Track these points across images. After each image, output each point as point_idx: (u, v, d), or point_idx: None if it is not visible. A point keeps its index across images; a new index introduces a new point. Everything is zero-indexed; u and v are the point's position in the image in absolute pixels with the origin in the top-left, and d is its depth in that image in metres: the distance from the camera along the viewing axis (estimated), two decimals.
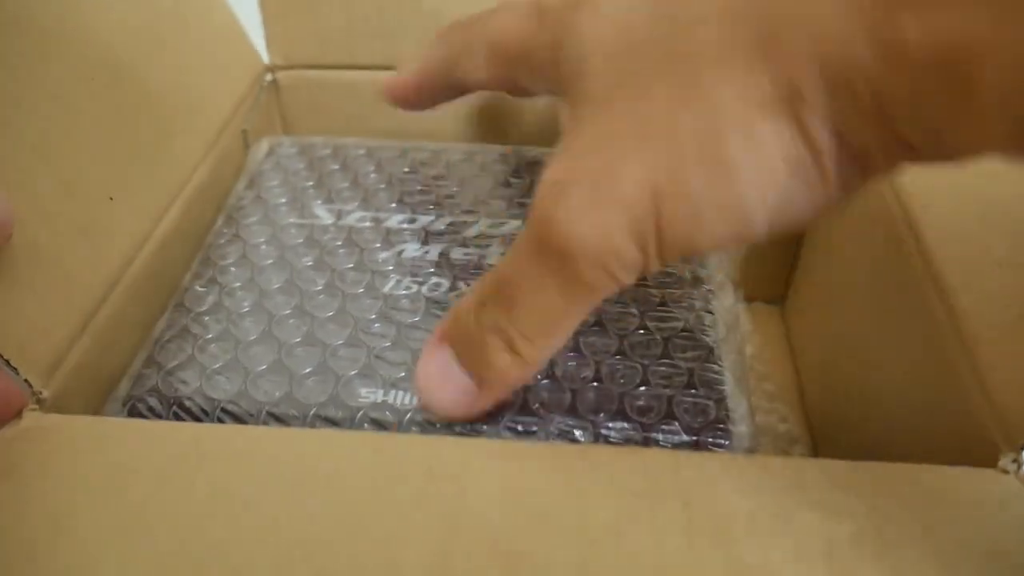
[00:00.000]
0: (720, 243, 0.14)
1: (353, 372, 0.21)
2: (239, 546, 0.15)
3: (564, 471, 0.16)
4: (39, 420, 0.18)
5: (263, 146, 0.29)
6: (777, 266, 0.36)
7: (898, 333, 0.23)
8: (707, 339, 0.21)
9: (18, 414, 0.18)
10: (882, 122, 0.12)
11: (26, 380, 0.19)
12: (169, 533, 0.15)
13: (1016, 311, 0.18)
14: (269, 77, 0.34)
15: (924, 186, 0.23)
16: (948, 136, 0.12)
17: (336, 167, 0.28)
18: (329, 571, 0.14)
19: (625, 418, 0.19)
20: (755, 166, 0.13)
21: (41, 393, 0.19)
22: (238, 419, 0.20)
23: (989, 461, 0.17)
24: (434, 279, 0.23)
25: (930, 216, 0.22)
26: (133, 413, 0.20)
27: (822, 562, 0.14)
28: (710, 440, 0.19)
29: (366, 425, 0.20)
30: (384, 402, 0.20)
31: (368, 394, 0.20)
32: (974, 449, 0.18)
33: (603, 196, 0.14)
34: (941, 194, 0.22)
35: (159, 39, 0.27)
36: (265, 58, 0.34)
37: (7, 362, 0.18)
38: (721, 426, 0.19)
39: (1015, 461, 0.17)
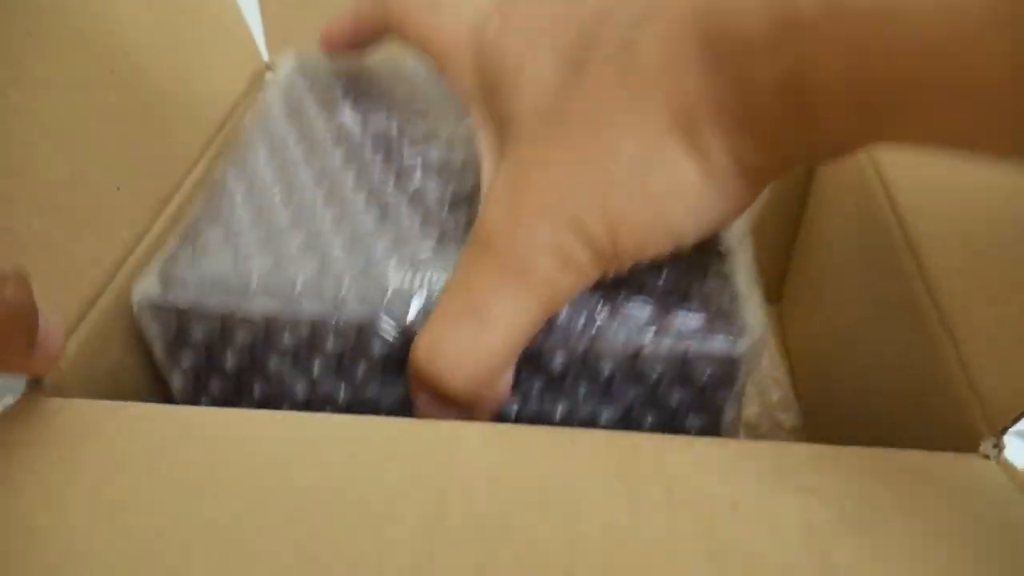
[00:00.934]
0: (661, 251, 0.17)
1: (382, 246, 0.22)
2: (230, 522, 0.15)
3: (551, 455, 0.17)
4: (38, 403, 0.19)
5: (290, 57, 0.31)
6: (771, 268, 0.37)
7: (887, 324, 0.23)
8: (719, 247, 0.22)
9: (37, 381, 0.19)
10: (766, 147, 0.16)
11: None
12: (162, 510, 0.15)
13: (998, 304, 0.18)
14: (269, 76, 0.35)
15: (914, 183, 0.23)
16: (813, 148, 0.16)
17: (363, 79, 0.30)
18: (318, 544, 0.14)
19: (644, 296, 0.20)
20: (679, 193, 0.16)
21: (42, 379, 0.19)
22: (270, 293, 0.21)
23: (972, 447, 0.17)
24: (460, 178, 0.25)
25: (918, 212, 0.23)
26: (164, 281, 0.21)
27: (801, 540, 0.14)
28: (723, 326, 0.20)
29: (389, 291, 0.21)
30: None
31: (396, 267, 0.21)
32: (958, 435, 0.18)
33: (573, 232, 0.17)
34: (930, 191, 0.23)
35: (175, 30, 0.28)
36: (265, 55, 0.35)
37: None
38: (733, 315, 0.20)
39: (996, 446, 0.17)
